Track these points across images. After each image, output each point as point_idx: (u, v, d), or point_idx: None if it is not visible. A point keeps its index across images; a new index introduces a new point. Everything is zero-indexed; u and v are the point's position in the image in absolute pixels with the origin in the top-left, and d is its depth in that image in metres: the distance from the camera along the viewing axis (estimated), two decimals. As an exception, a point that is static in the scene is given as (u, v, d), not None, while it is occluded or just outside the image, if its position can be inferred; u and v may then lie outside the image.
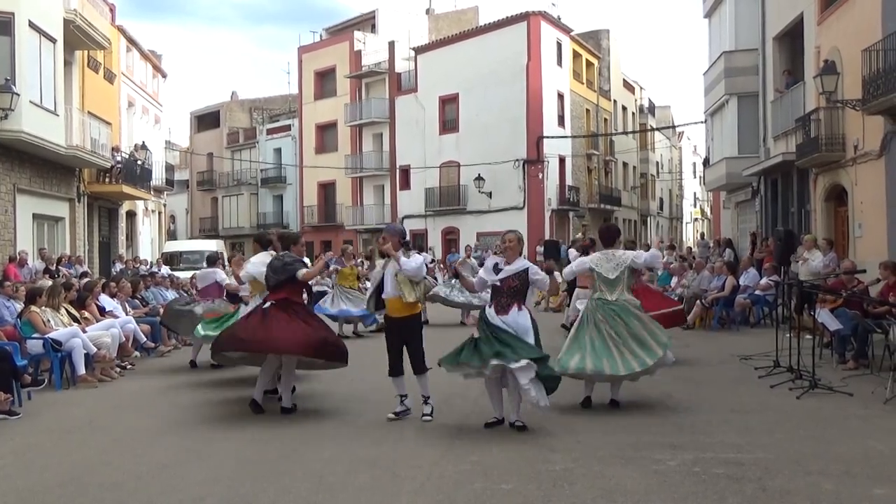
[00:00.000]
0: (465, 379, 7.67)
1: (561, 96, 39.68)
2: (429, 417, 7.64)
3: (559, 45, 39.64)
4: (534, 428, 7.28)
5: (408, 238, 7.88)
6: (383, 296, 7.79)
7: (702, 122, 31.05)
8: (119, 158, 26.49)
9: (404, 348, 7.78)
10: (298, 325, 7.93)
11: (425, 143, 40.91)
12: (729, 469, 5.82)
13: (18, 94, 17.86)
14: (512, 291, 7.34)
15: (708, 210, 65.02)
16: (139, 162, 28.28)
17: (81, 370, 10.41)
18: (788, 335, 10.99)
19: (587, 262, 8.49)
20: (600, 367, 7.82)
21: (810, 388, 8.62)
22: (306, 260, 9.03)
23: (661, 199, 63.32)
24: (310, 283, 8.76)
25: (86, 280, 15.78)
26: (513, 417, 7.29)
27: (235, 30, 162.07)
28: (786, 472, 5.73)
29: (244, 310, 9.82)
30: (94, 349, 10.72)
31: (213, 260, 13.59)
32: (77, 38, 22.26)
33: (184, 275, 21.67)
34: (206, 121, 56.61)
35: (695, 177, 72.42)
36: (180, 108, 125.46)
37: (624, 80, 51.11)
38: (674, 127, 62.59)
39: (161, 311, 14.35)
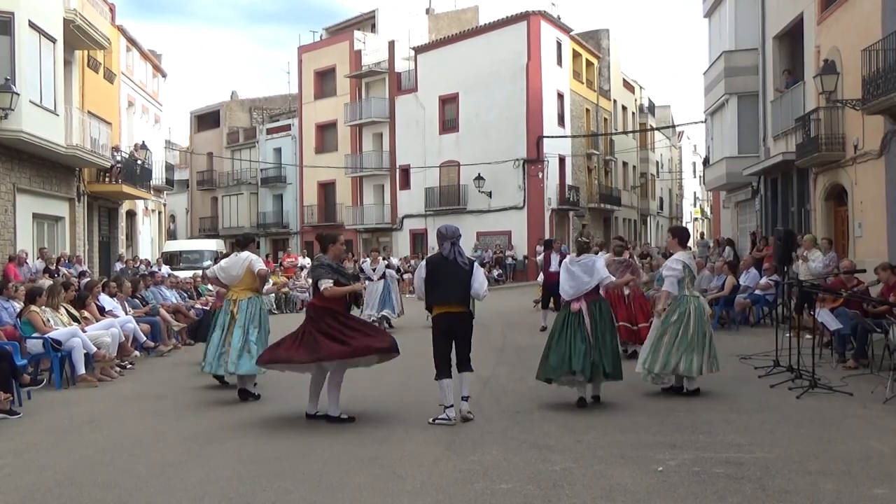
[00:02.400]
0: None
1: (561, 96, 39.65)
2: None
3: (559, 45, 39.60)
4: (533, 428, 7.29)
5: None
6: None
7: (702, 122, 31.06)
8: (119, 158, 26.47)
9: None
10: (333, 337, 7.60)
11: (425, 143, 40.88)
12: (729, 469, 5.82)
13: (18, 94, 17.85)
14: None
15: (708, 210, 65.06)
16: (139, 161, 28.25)
17: (81, 370, 10.42)
18: (788, 335, 11.00)
19: (684, 261, 8.62)
20: (689, 367, 8.43)
21: (810, 387, 8.61)
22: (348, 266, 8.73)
23: (661, 199, 63.33)
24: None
25: (86, 279, 15.78)
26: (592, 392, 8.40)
27: (235, 29, 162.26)
28: (786, 471, 5.73)
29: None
30: (94, 349, 10.72)
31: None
32: (77, 37, 22.24)
33: (184, 274, 21.66)
34: (206, 120, 56.56)
35: (695, 176, 72.44)
36: (180, 107, 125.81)
37: (624, 79, 51.10)
38: (674, 126, 62.60)
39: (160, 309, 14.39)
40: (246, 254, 9.38)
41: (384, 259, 18.43)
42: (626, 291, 11.78)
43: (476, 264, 7.77)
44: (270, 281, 10.46)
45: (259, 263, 9.36)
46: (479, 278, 7.69)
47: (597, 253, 10.26)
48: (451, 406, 7.48)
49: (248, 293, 9.19)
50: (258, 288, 9.37)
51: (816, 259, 14.04)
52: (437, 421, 7.45)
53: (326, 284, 7.63)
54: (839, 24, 16.93)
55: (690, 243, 35.10)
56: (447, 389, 7.49)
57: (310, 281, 8.54)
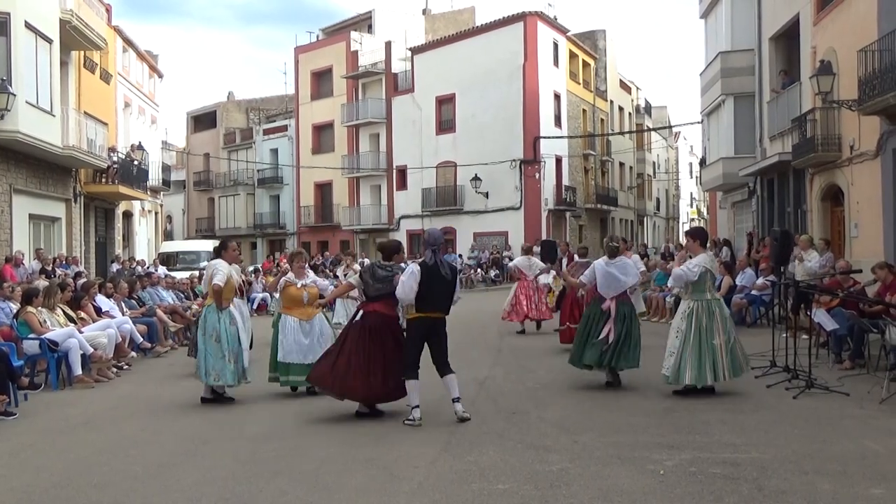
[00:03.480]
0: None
1: (557, 96, 39.68)
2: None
3: (555, 46, 39.63)
4: (530, 428, 7.30)
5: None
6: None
7: (698, 123, 31.07)
8: (115, 159, 26.43)
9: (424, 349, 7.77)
10: (376, 367, 7.68)
11: (422, 144, 40.88)
12: (725, 469, 5.82)
13: (15, 95, 17.81)
14: None
15: (704, 210, 65.09)
16: (135, 162, 28.21)
17: (78, 370, 10.41)
18: (785, 335, 11.01)
19: (705, 264, 8.64)
20: (719, 375, 8.52)
21: (807, 387, 8.61)
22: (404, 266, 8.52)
23: (658, 200, 63.39)
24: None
25: (82, 280, 15.76)
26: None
27: (231, 30, 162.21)
28: (782, 471, 5.73)
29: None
30: (91, 349, 10.73)
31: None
32: (73, 38, 22.20)
33: (180, 275, 21.62)
34: (203, 121, 56.51)
35: (691, 177, 72.50)
36: (177, 108, 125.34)
37: (620, 80, 51.13)
38: (670, 127, 62.65)
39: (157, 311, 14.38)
40: (213, 262, 9.23)
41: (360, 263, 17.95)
42: (582, 293, 11.69)
43: (455, 270, 7.92)
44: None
45: (218, 276, 8.87)
46: (457, 285, 7.93)
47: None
48: (417, 406, 7.52)
49: (210, 300, 9.08)
50: (216, 301, 8.95)
51: (813, 259, 14.04)
52: (406, 422, 7.49)
53: None
54: (835, 24, 16.95)
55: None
56: (415, 391, 7.55)
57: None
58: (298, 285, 9.38)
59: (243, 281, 12.07)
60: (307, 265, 10.04)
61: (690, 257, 8.93)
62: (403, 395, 7.69)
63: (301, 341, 9.12)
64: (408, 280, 7.55)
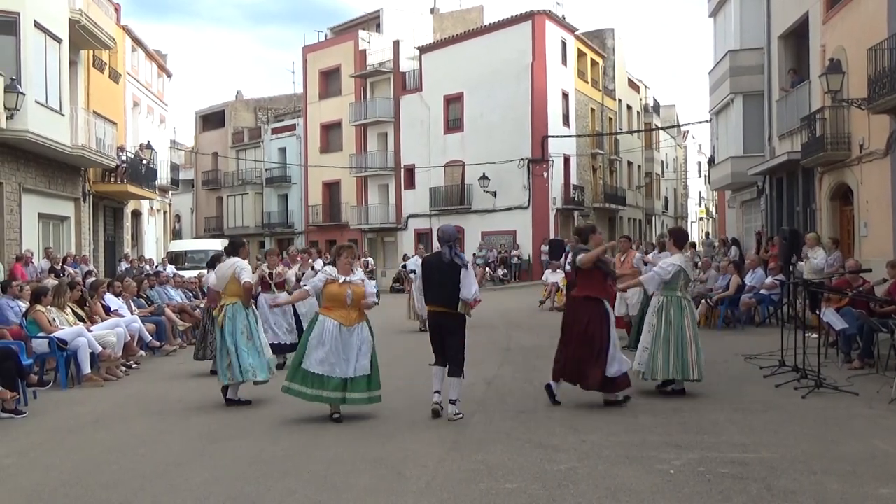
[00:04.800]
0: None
1: (566, 95, 39.61)
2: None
3: (564, 45, 39.57)
4: (538, 428, 7.29)
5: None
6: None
7: (707, 122, 30.99)
8: (124, 158, 26.52)
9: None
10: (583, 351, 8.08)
11: (430, 143, 40.87)
12: (734, 469, 5.81)
13: (24, 94, 17.88)
14: None
15: (713, 209, 64.89)
16: (144, 161, 28.32)
17: (87, 369, 10.45)
18: (796, 334, 10.97)
19: (679, 264, 8.72)
20: (688, 372, 8.59)
21: (815, 387, 8.59)
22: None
23: (666, 199, 63.22)
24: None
25: (91, 279, 15.82)
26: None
27: (240, 30, 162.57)
28: (791, 471, 5.72)
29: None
30: (100, 348, 10.76)
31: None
32: (82, 37, 22.30)
33: (189, 274, 21.67)
34: (211, 120, 56.62)
35: (700, 176, 72.28)
36: (185, 107, 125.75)
37: (629, 79, 51.00)
38: (679, 126, 62.41)
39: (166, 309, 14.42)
40: (233, 260, 9.15)
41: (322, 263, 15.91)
42: None
43: (467, 266, 7.84)
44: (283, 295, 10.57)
45: (246, 273, 8.95)
46: (467, 282, 7.72)
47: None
48: (437, 392, 7.78)
49: (233, 299, 9.00)
50: (243, 298, 8.96)
51: (818, 257, 13.97)
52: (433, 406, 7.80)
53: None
54: (844, 23, 16.89)
55: (696, 243, 34.57)
56: (434, 376, 7.86)
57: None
58: (341, 281, 7.90)
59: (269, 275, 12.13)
60: (356, 261, 8.43)
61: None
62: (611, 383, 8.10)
63: (338, 351, 7.74)
64: (416, 276, 8.04)
